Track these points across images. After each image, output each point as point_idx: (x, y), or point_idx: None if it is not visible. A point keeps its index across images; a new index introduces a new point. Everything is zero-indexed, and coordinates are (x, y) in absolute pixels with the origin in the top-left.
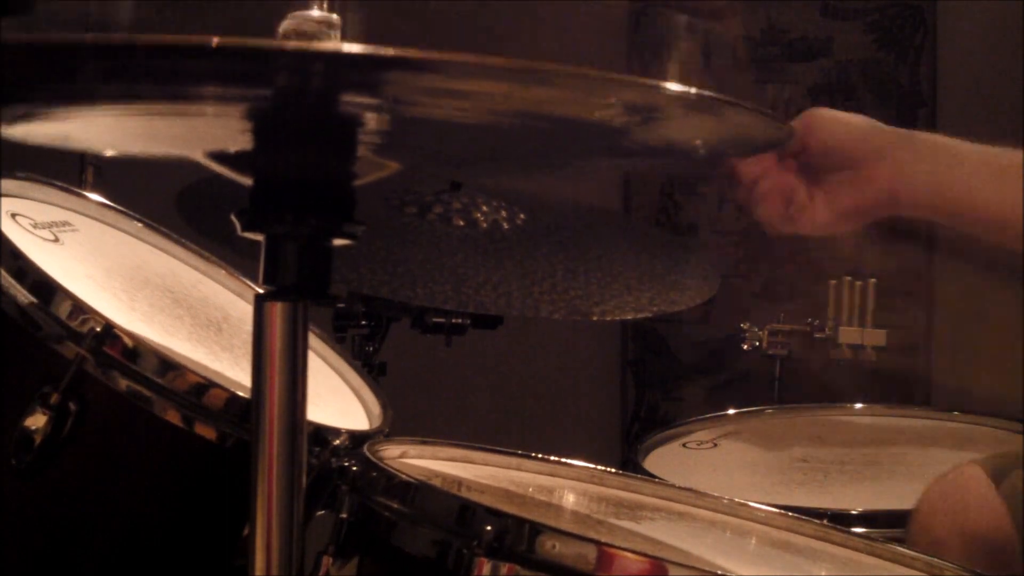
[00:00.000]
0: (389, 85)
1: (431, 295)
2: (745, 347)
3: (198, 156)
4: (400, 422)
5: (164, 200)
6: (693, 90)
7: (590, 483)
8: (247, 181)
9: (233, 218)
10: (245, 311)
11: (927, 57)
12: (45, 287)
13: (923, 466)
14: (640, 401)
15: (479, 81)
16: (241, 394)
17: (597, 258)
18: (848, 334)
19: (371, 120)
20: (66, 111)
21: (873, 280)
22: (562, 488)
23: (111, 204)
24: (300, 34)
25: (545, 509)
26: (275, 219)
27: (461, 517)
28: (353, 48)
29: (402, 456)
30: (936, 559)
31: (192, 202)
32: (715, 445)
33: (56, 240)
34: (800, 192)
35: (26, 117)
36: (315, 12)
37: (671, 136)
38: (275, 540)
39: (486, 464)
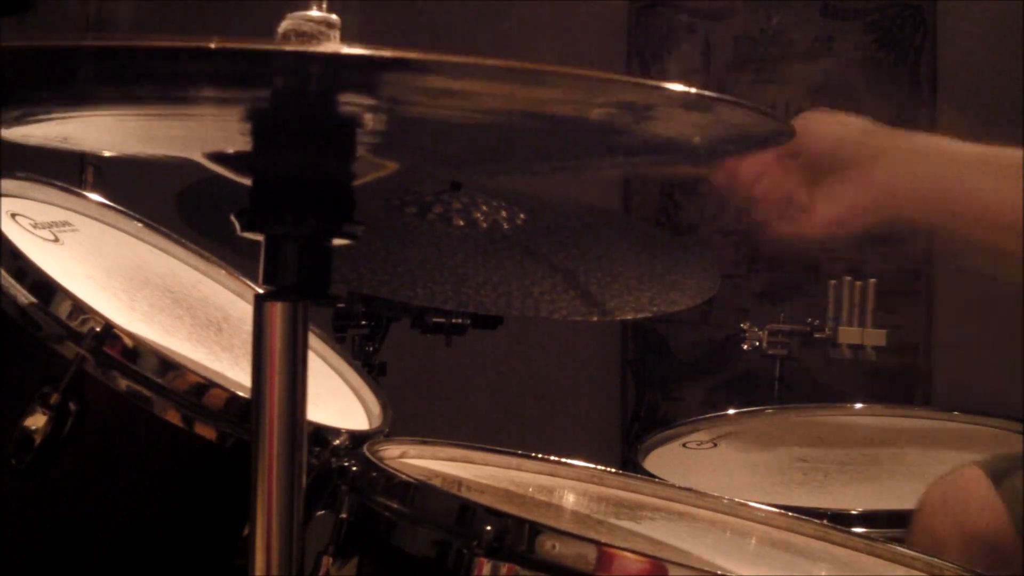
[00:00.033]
0: (388, 86)
1: (431, 295)
2: (745, 347)
3: (197, 157)
4: (400, 422)
5: (164, 200)
6: (692, 89)
7: (590, 483)
8: (247, 181)
9: (233, 218)
10: (245, 311)
11: (927, 57)
12: (45, 287)
13: (923, 466)
14: (640, 401)
15: (478, 81)
16: (241, 394)
17: (597, 258)
18: (848, 334)
19: (370, 121)
20: (66, 112)
21: (873, 280)
22: (562, 488)
23: (111, 204)
24: (299, 35)
25: (545, 509)
26: (275, 219)
27: (461, 517)
28: (352, 49)
29: (402, 456)
30: (936, 559)
31: (192, 202)
32: (715, 445)
33: (56, 240)
34: (798, 194)
35: (26, 118)
36: (314, 12)
37: (670, 134)
38: (275, 540)
39: (486, 464)
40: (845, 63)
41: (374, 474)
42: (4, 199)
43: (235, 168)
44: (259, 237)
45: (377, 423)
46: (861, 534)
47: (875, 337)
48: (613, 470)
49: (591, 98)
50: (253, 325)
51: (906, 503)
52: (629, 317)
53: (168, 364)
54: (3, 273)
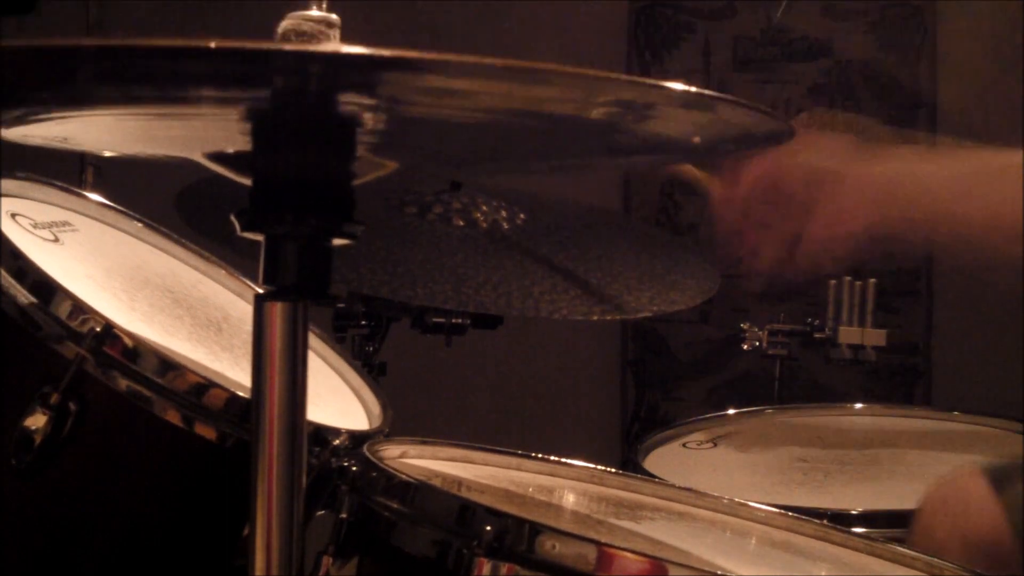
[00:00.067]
0: (388, 85)
1: (431, 295)
2: (745, 347)
3: (197, 157)
4: (400, 422)
5: (164, 200)
6: (692, 88)
7: (590, 483)
8: (247, 181)
9: (233, 218)
10: (245, 311)
11: (927, 57)
12: (45, 287)
13: (923, 466)
14: (640, 401)
15: (478, 81)
16: (241, 394)
17: (597, 258)
18: (848, 334)
19: (370, 120)
20: (65, 112)
21: (873, 280)
22: (562, 488)
23: (111, 204)
24: (299, 34)
25: (545, 509)
26: (275, 219)
27: (461, 517)
28: (351, 49)
29: (402, 456)
30: (936, 559)
31: (192, 202)
32: (715, 445)
33: (56, 240)
34: (781, 229)
35: (26, 118)
36: (314, 12)
37: (670, 134)
38: (275, 540)
39: (486, 464)
40: (845, 63)
41: (374, 474)
42: (4, 199)
43: (235, 168)
44: (259, 237)
45: (377, 423)
46: (861, 534)
47: (875, 337)
48: (613, 470)
49: (591, 97)
50: (253, 325)
51: (906, 503)
52: (629, 317)
53: (168, 364)
54: (3, 273)
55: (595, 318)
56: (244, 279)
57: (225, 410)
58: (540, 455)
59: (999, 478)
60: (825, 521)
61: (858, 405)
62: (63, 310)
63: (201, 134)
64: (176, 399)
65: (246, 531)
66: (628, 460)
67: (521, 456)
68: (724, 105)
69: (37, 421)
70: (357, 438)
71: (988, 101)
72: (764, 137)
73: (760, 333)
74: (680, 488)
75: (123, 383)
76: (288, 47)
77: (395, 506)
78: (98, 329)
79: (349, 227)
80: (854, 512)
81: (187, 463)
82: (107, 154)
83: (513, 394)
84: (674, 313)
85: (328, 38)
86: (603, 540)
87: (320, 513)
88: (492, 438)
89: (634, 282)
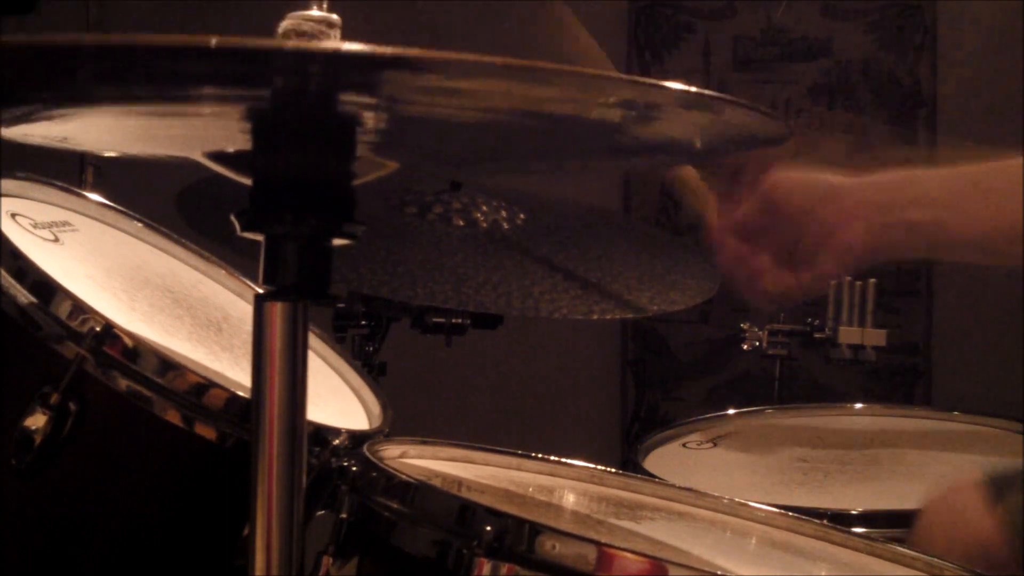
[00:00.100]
0: (388, 85)
1: (431, 295)
2: (745, 347)
3: (197, 156)
4: (400, 422)
5: (164, 200)
6: (692, 88)
7: (590, 483)
8: (247, 181)
9: (233, 218)
10: (245, 311)
11: (927, 57)
12: (45, 287)
13: (923, 466)
14: (640, 401)
15: (478, 80)
16: (241, 394)
17: (597, 258)
18: (848, 334)
19: (370, 120)
20: (65, 112)
21: (873, 280)
22: (562, 488)
23: (111, 204)
24: (299, 34)
25: (545, 509)
26: (275, 219)
27: (461, 517)
28: (352, 48)
29: (402, 456)
30: (936, 559)
31: (192, 202)
32: (715, 445)
33: (56, 240)
34: (778, 255)
35: (26, 117)
36: (314, 11)
37: (670, 134)
38: (275, 540)
39: (486, 464)
40: (845, 63)
41: (374, 474)
42: (4, 199)
43: (235, 168)
44: (259, 237)
45: (377, 423)
46: (861, 534)
47: (875, 337)
48: (613, 470)
49: (591, 97)
50: (253, 325)
51: (906, 503)
52: (629, 317)
53: (168, 364)
54: (3, 273)
55: (595, 318)
56: (244, 279)
57: (225, 410)
58: (540, 455)
59: (999, 486)
60: (825, 521)
61: (858, 405)
62: (63, 310)
63: (201, 133)
64: (176, 399)
65: (246, 531)
66: (628, 460)
67: (521, 456)
68: (724, 105)
69: (37, 421)
70: (357, 438)
71: (988, 101)
72: (764, 138)
73: (760, 333)
74: (680, 488)
75: (123, 383)
76: (288, 46)
77: (395, 506)
78: (98, 329)
79: (349, 227)
80: (854, 512)
81: (187, 463)
82: (107, 154)
83: (513, 394)
84: (674, 313)
85: (328, 38)
86: (603, 540)
87: (320, 513)
88: (492, 438)
89: (634, 282)
